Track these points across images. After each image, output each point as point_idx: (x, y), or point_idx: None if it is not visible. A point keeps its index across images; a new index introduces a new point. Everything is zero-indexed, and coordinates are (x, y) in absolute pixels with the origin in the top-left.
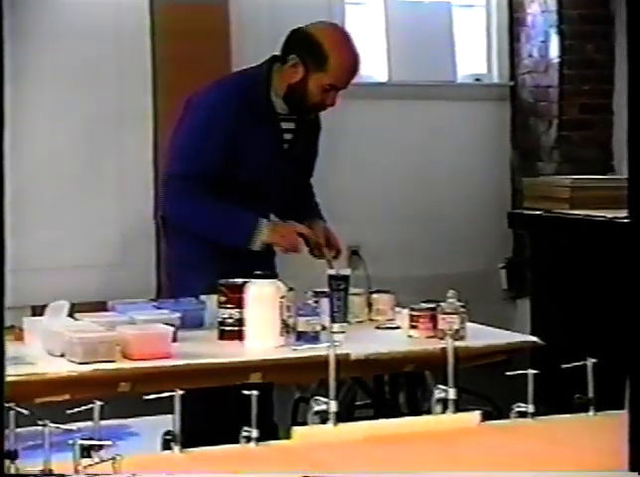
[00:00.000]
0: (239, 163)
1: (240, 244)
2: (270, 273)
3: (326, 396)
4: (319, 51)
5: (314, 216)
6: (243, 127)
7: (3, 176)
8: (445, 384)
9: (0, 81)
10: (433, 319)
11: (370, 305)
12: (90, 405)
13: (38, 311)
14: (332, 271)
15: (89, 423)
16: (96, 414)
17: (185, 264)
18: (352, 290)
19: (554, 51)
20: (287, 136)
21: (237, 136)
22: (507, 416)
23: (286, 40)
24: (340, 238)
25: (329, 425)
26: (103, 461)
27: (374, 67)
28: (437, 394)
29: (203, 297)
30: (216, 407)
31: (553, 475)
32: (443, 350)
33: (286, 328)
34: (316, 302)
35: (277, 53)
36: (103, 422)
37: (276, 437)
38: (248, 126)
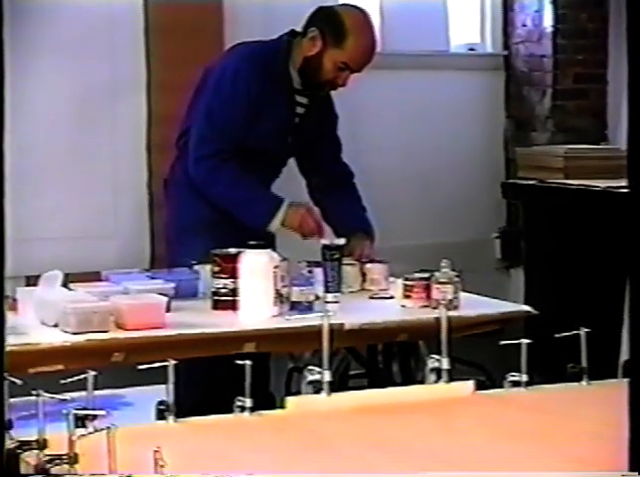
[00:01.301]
0: (252, 130)
1: (258, 224)
2: (266, 243)
3: (320, 365)
4: (340, 27)
5: (358, 229)
6: (262, 95)
7: (3, 161)
8: (439, 353)
9: (1, 77)
10: (427, 289)
11: (364, 275)
12: (84, 375)
13: (32, 281)
14: (326, 241)
15: (83, 393)
16: (90, 384)
17: (187, 228)
18: (346, 260)
19: (547, 20)
20: (300, 110)
21: (256, 103)
22: (500, 386)
23: (311, 15)
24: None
25: (323, 395)
26: (97, 431)
27: None
28: (431, 363)
29: (196, 267)
30: (210, 377)
31: (552, 474)
32: (437, 319)
33: (280, 298)
34: (310, 272)
35: (298, 28)
36: (97, 392)
37: (274, 407)
38: (267, 94)
